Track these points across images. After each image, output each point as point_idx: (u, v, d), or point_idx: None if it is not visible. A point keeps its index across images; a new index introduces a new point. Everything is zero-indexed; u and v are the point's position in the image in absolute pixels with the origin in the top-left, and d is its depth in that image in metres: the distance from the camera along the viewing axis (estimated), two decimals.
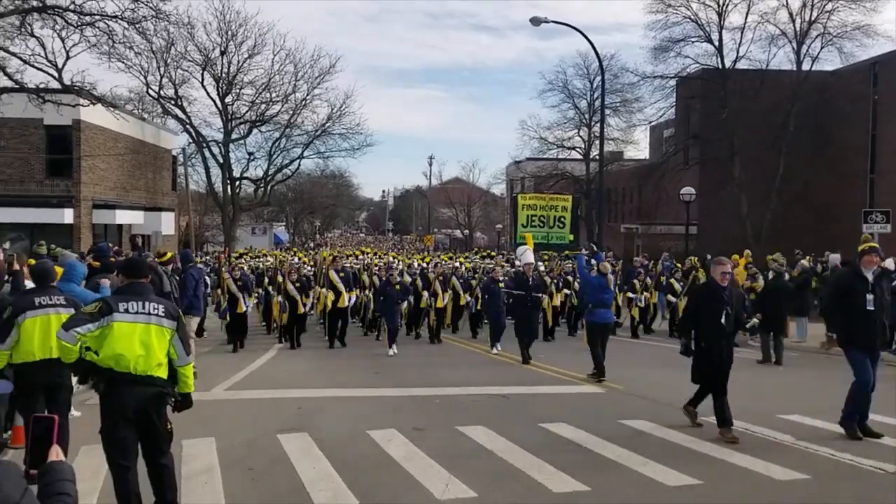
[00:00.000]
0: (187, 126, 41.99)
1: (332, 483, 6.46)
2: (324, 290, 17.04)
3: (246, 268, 19.54)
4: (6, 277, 7.58)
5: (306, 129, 45.15)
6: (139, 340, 5.14)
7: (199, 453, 7.35)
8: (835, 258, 17.01)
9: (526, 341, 14.24)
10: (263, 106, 43.21)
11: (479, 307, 18.54)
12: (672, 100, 38.04)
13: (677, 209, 30.53)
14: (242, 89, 42.62)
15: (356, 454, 7.42)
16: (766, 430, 8.43)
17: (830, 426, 8.59)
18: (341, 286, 16.85)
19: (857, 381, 8.20)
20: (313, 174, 60.76)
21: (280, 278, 17.14)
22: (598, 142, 33.55)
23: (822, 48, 33.76)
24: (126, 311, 5.16)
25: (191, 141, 42.80)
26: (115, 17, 22.98)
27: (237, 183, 45.30)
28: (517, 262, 20.95)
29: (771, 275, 15.86)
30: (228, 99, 42.30)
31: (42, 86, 23.57)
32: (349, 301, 17.28)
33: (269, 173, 46.10)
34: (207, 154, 43.34)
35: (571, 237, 27.99)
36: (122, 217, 31.20)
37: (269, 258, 26.17)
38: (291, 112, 43.64)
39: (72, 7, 22.71)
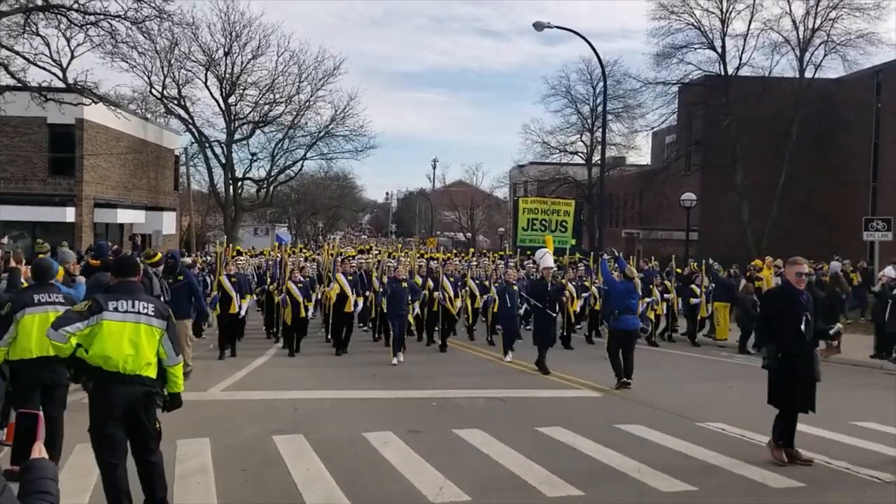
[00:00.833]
0: (190, 126, 42.07)
1: (326, 485, 6.45)
2: (328, 288, 15.95)
3: (247, 267, 19.11)
4: (2, 274, 7.59)
5: (309, 130, 45.24)
6: (128, 340, 5.14)
7: (193, 453, 7.34)
8: (835, 266, 16.97)
9: (544, 350, 13.37)
10: (267, 107, 43.29)
11: (495, 310, 17.26)
12: (674, 106, 38.09)
13: (678, 215, 30.52)
14: (246, 90, 42.73)
15: (351, 456, 7.40)
16: (761, 437, 8.37)
17: (826, 433, 8.57)
18: (348, 290, 15.60)
19: None
20: (316, 175, 60.79)
21: (286, 273, 16.06)
22: (600, 147, 33.53)
23: (825, 56, 33.84)
24: (115, 309, 5.15)
25: (193, 141, 42.93)
26: (119, 16, 23.09)
27: (239, 183, 45.35)
28: (529, 266, 20.64)
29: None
30: (232, 99, 42.38)
31: (45, 84, 23.63)
32: (356, 306, 16.05)
33: (272, 174, 46.16)
34: (210, 154, 43.44)
35: (573, 241, 27.97)
36: (124, 216, 31.25)
37: (271, 256, 25.88)
38: (295, 113, 43.71)
39: (75, 6, 22.79)
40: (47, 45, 23.73)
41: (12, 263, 7.78)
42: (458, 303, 17.60)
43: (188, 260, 16.92)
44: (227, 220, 44.16)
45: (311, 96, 43.36)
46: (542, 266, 14.92)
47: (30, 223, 27.36)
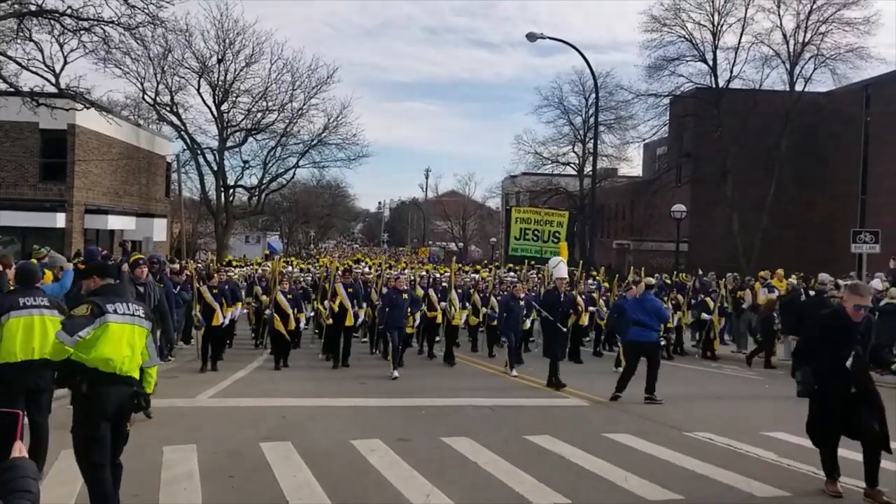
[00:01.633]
0: (182, 133, 41.99)
1: (313, 492, 6.43)
2: (325, 304, 15.25)
3: (236, 275, 18.93)
4: None
5: (302, 138, 45.23)
6: (126, 341, 5.26)
7: (180, 459, 7.32)
8: (824, 277, 17.05)
9: (556, 364, 12.82)
10: (259, 114, 43.28)
11: (493, 323, 16.55)
12: (666, 118, 38.31)
13: (669, 226, 30.67)
14: (239, 97, 42.70)
15: (338, 464, 7.39)
16: (749, 447, 8.43)
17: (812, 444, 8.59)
18: (348, 303, 14.84)
19: None
20: (309, 184, 60.81)
21: (272, 286, 15.26)
22: (591, 158, 33.69)
23: (815, 69, 34.17)
24: (115, 311, 5.25)
25: (185, 148, 42.81)
26: (112, 22, 23.07)
27: (231, 191, 45.23)
28: (528, 276, 20.18)
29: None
30: (224, 107, 42.34)
31: (37, 89, 23.58)
32: (356, 319, 15.35)
33: (264, 182, 46.05)
34: (202, 161, 43.31)
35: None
36: (114, 222, 31.12)
37: (262, 267, 25.69)
38: (287, 121, 43.71)
39: (69, 12, 22.77)
40: (40, 50, 23.72)
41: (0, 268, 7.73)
42: (463, 315, 16.93)
43: (176, 266, 16.86)
44: (218, 227, 44.03)
45: (303, 104, 43.43)
46: (555, 276, 14.37)
47: (19, 229, 27.20)
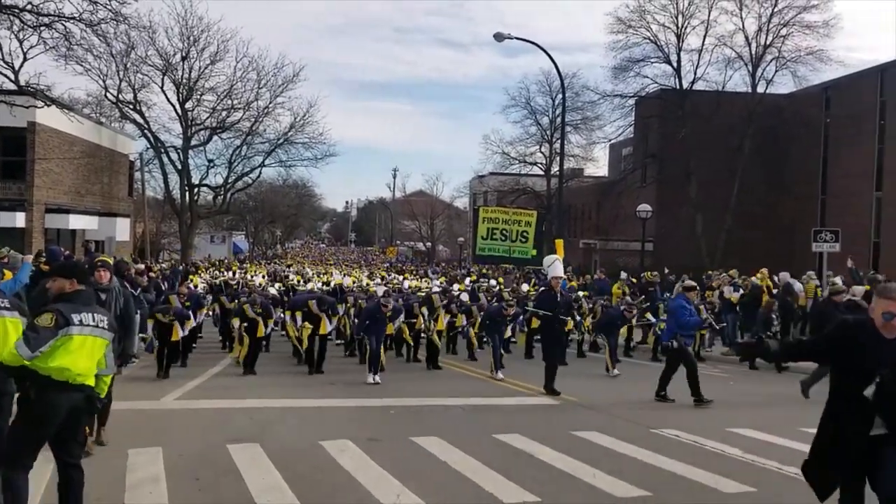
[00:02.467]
0: (145, 131, 41.42)
1: (281, 494, 6.37)
2: (298, 317, 14.67)
3: (199, 284, 18.44)
4: None
5: (268, 137, 44.92)
6: (87, 353, 5.11)
7: (145, 462, 7.20)
8: (785, 276, 17.38)
9: (552, 370, 12.09)
10: (224, 113, 42.91)
11: (476, 329, 16.40)
12: (631, 119, 38.67)
13: (634, 226, 30.94)
14: (203, 95, 42.29)
15: (307, 465, 7.33)
16: (716, 443, 8.54)
17: (778, 439, 8.75)
18: (317, 310, 14.38)
19: None
20: (275, 183, 60.40)
21: (241, 298, 15.14)
22: (558, 158, 33.90)
23: (776, 72, 34.74)
24: (80, 322, 5.08)
25: (149, 146, 42.26)
26: (73, 18, 22.65)
27: (196, 190, 44.74)
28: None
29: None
30: (189, 105, 41.89)
31: None
32: (330, 326, 14.98)
33: (229, 181, 45.63)
34: (165, 160, 42.83)
35: (534, 252, 28.02)
36: (76, 222, 30.55)
37: (228, 272, 25.37)
38: (253, 120, 43.40)
39: (28, 7, 22.30)
40: None
41: None
42: (445, 318, 16.26)
43: (141, 266, 16.59)
44: (182, 227, 43.49)
45: (269, 103, 43.16)
46: (550, 275, 13.50)
47: None
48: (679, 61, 35.76)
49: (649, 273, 21.61)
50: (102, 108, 44.21)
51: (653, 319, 17.80)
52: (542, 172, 45.96)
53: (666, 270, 21.08)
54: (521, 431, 8.86)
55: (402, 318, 14.93)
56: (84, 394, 5.13)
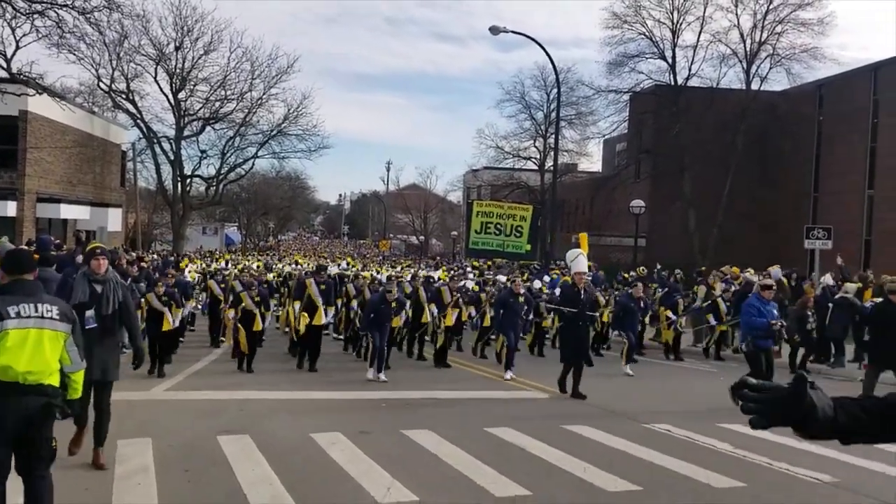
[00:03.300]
0: (138, 121, 41.20)
1: (271, 486, 6.34)
2: (296, 306, 13.88)
3: (189, 274, 17.78)
4: None
5: (261, 128, 44.68)
6: (31, 347, 4.60)
7: (134, 453, 7.16)
8: (776, 273, 17.40)
9: (578, 372, 11.34)
10: (218, 103, 42.69)
11: (485, 324, 15.68)
12: (625, 114, 38.69)
13: (627, 221, 30.98)
14: (197, 86, 42.04)
15: (298, 457, 7.30)
16: (706, 438, 8.56)
17: (768, 435, 8.76)
18: (319, 301, 13.48)
19: None
20: (268, 175, 60.12)
21: (237, 286, 14.21)
22: (552, 153, 33.88)
23: (770, 69, 34.81)
24: (18, 315, 4.60)
25: (141, 136, 42.03)
26: (66, 6, 22.50)
27: (188, 181, 44.52)
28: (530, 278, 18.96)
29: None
30: (182, 95, 41.65)
31: None
32: (327, 317, 14.01)
33: (222, 172, 45.40)
34: (158, 150, 42.56)
35: (529, 247, 28.04)
36: (67, 212, 30.40)
37: (220, 262, 24.99)
38: (247, 111, 43.16)
39: None
40: None
41: None
42: (454, 313, 15.38)
43: (132, 256, 16.50)
44: (174, 217, 43.33)
45: (263, 94, 42.93)
46: (574, 270, 12.50)
47: None
48: (674, 57, 35.83)
49: (640, 269, 21.64)
50: (95, 98, 43.97)
51: (713, 321, 16.77)
52: (535, 167, 45.94)
53: (658, 266, 21.09)
54: (512, 425, 8.86)
55: (409, 310, 14.33)
56: (44, 399, 4.64)
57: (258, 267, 21.83)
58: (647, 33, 35.74)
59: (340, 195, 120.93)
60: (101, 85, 39.95)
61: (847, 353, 14.95)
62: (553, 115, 37.38)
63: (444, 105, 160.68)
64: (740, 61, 35.12)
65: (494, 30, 26.73)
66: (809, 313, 14.75)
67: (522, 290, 14.15)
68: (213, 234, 65.20)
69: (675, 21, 35.36)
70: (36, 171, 28.47)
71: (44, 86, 24.83)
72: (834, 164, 32.82)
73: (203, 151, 44.74)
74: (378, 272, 21.39)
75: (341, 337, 17.33)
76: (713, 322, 16.81)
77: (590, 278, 14.34)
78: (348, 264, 20.77)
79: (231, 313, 13.80)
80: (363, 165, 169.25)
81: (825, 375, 14.51)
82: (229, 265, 26.32)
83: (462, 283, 17.60)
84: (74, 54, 27.16)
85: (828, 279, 17.07)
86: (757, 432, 7.87)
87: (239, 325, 13.15)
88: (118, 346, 6.92)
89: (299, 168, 67.00)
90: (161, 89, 41.32)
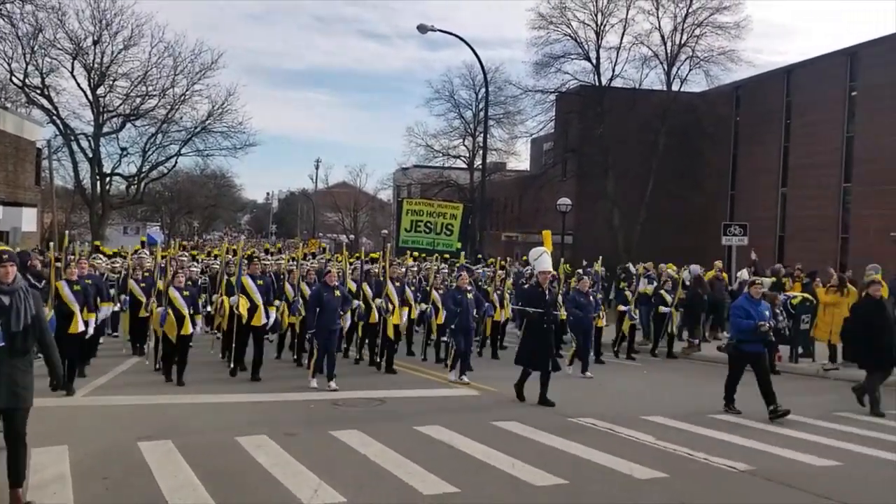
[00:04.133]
0: (54, 117, 39.52)
1: (194, 492, 6.19)
2: (231, 298, 12.43)
3: (103, 267, 16.12)
4: None
5: (185, 125, 43.45)
6: None
7: (49, 462, 6.87)
8: (695, 269, 17.97)
9: (544, 377, 10.58)
10: (139, 99, 41.24)
11: (439, 321, 14.39)
12: (552, 114, 39.28)
13: (555, 219, 31.48)
14: (116, 81, 40.54)
15: (222, 462, 7.15)
16: (629, 430, 8.77)
17: (689, 426, 9.06)
18: (258, 297, 12.29)
19: None
20: (192, 173, 58.64)
21: (163, 282, 12.43)
22: (481, 151, 34.15)
23: (690, 70, 35.95)
24: None
25: (57, 133, 40.37)
26: None
27: (108, 179, 42.99)
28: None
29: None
30: (100, 91, 40.14)
31: None
32: (267, 318, 12.61)
33: (144, 170, 44.01)
34: (76, 148, 40.90)
35: (459, 245, 28.13)
36: None
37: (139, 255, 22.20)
38: (169, 107, 41.88)
39: None
40: None
41: None
42: (404, 314, 14.25)
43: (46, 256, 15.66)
44: (93, 217, 41.77)
45: (186, 90, 41.66)
46: (538, 269, 11.70)
47: None
48: (598, 58, 36.56)
49: (566, 265, 21.93)
50: (7, 93, 41.98)
51: (665, 310, 16.31)
52: (465, 166, 46.20)
53: (584, 263, 21.44)
54: (441, 423, 8.88)
55: (352, 308, 13.07)
56: None
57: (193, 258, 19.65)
58: (572, 34, 36.43)
59: (268, 193, 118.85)
60: (14, 80, 38.25)
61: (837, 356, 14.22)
62: (482, 114, 37.69)
63: (374, 103, 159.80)
64: (661, 63, 36.14)
65: (423, 28, 26.79)
66: (778, 311, 14.44)
67: (470, 287, 13.27)
68: (135, 233, 63.04)
69: (599, 23, 36.15)
70: None
71: None
72: (750, 163, 34.17)
73: (123, 149, 43.22)
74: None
75: (272, 339, 15.15)
76: (665, 310, 16.28)
77: (589, 278, 14.19)
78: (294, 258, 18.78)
79: (228, 301, 12.33)
80: (291, 163, 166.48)
81: (792, 372, 14.42)
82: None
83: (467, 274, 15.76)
84: None
85: (744, 274, 17.71)
86: (677, 424, 8.02)
87: (170, 312, 11.62)
88: (31, 365, 5.87)
89: (225, 166, 65.81)
90: (78, 84, 39.73)
